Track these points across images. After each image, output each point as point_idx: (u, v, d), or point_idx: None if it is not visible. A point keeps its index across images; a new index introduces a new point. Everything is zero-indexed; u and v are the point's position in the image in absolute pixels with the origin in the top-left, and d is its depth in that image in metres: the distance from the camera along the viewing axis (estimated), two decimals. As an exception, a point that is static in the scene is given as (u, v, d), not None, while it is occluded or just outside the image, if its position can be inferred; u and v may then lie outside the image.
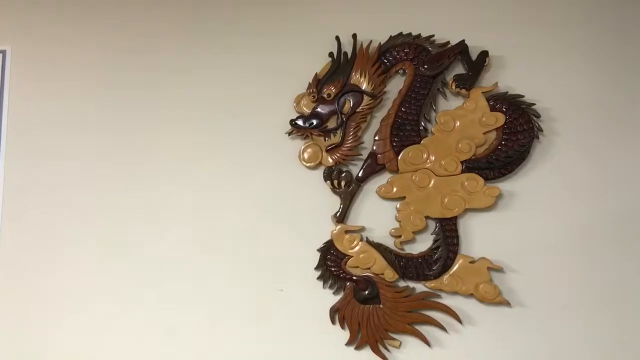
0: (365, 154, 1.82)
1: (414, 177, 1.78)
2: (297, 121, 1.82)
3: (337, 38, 1.84)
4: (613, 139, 1.77)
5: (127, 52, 1.96)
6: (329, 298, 1.79)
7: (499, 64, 1.81)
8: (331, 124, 1.82)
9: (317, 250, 1.81)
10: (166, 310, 1.85)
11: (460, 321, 1.75)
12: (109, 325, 1.87)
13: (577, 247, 1.76)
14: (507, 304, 1.74)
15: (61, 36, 1.99)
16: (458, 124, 1.78)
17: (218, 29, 1.93)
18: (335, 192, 1.81)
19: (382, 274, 1.77)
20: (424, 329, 1.76)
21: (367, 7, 1.88)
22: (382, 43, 1.83)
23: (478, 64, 1.79)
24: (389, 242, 1.79)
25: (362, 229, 1.81)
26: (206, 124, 1.90)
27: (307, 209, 1.83)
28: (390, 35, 1.83)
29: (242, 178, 1.87)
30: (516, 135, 1.76)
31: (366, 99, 1.81)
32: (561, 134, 1.78)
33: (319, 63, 1.84)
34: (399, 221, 1.78)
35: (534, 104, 1.77)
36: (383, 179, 1.81)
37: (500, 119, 1.76)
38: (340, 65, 1.83)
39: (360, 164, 1.82)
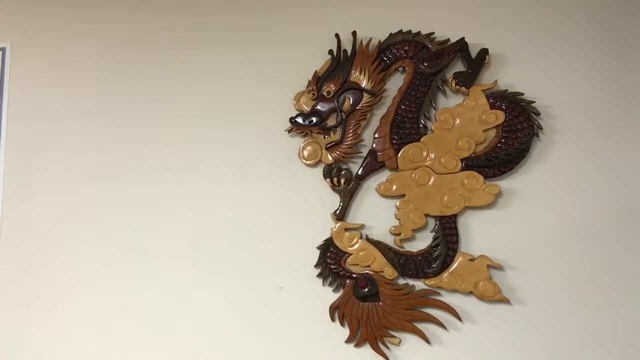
0: (365, 151, 1.82)
1: (413, 175, 1.78)
2: (296, 119, 1.82)
3: (337, 35, 1.83)
4: (613, 137, 1.77)
5: (127, 48, 1.96)
6: (329, 296, 1.80)
7: (498, 62, 1.80)
8: (331, 121, 1.82)
9: (317, 247, 1.81)
10: (165, 307, 1.86)
11: (459, 319, 1.75)
12: (107, 321, 1.87)
13: (576, 245, 1.76)
14: (506, 301, 1.74)
15: (61, 33, 1.99)
16: (458, 121, 1.78)
17: (218, 26, 1.93)
18: (334, 190, 1.82)
19: (382, 271, 1.78)
20: (424, 327, 1.76)
21: (366, 5, 1.87)
22: (381, 40, 1.82)
23: (478, 62, 1.79)
24: (389, 240, 1.80)
25: (362, 226, 1.81)
26: (206, 121, 1.90)
27: (307, 206, 1.83)
28: (390, 33, 1.82)
29: (241, 175, 1.87)
30: (516, 133, 1.76)
31: (366, 96, 1.81)
32: (561, 131, 1.78)
33: (319, 60, 1.84)
34: (399, 219, 1.78)
35: (534, 102, 1.76)
36: (383, 176, 1.81)
37: (500, 116, 1.76)
38: (340, 63, 1.83)
39: (359, 161, 1.82)
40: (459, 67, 1.81)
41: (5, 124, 1.97)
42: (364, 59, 1.82)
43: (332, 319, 1.79)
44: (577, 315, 1.74)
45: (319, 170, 1.83)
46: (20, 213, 1.94)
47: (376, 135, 1.81)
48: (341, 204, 1.81)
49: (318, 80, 1.82)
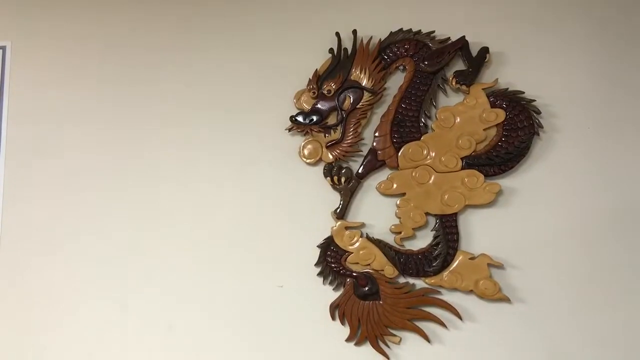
0: (365, 150, 1.82)
1: (414, 174, 1.78)
2: (297, 117, 1.82)
3: (337, 34, 1.84)
4: (613, 136, 1.77)
5: (127, 48, 1.96)
6: (329, 294, 1.79)
7: (499, 60, 1.80)
8: (331, 120, 1.82)
9: (317, 246, 1.81)
10: (166, 306, 1.85)
11: (460, 317, 1.75)
12: (108, 321, 1.87)
13: (577, 244, 1.75)
14: (507, 300, 1.74)
15: (61, 32, 1.99)
16: (458, 120, 1.78)
17: (218, 25, 1.93)
18: (335, 189, 1.81)
19: (382, 270, 1.77)
20: (424, 325, 1.76)
21: (367, 3, 1.87)
22: (382, 39, 1.82)
23: (478, 60, 1.79)
24: (389, 239, 1.79)
25: (362, 225, 1.81)
26: (206, 120, 1.90)
27: (307, 205, 1.83)
28: (391, 31, 1.82)
29: (242, 174, 1.87)
30: (516, 131, 1.76)
31: (366, 95, 1.81)
32: (561, 130, 1.78)
33: (319, 59, 1.84)
34: (399, 217, 1.78)
35: (535, 101, 1.76)
36: (383, 175, 1.81)
37: (500, 115, 1.76)
38: (341, 62, 1.83)
39: (360, 160, 1.82)
40: (459, 65, 1.81)
41: (5, 123, 1.97)
42: (365, 58, 1.82)
43: (333, 318, 1.79)
44: (578, 314, 1.74)
45: (319, 169, 1.83)
46: (21, 213, 1.94)
47: (377, 134, 1.81)
48: (341, 202, 1.81)
49: (318, 79, 1.82)
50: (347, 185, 1.81)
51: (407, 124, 1.80)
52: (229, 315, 1.84)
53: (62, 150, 1.95)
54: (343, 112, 1.81)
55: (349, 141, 1.82)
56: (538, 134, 1.77)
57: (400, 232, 1.78)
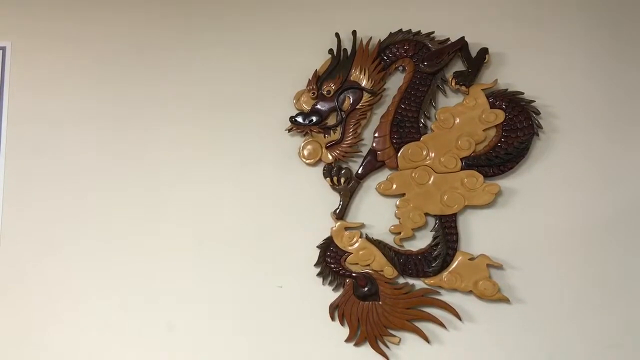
0: (364, 150, 1.82)
1: (413, 174, 1.78)
2: (296, 118, 1.82)
3: (337, 35, 1.84)
4: (612, 136, 1.77)
5: (127, 48, 1.96)
6: (329, 295, 1.80)
7: (498, 61, 1.81)
8: (331, 120, 1.82)
9: (317, 246, 1.81)
10: (165, 306, 1.85)
11: (459, 318, 1.76)
12: (108, 320, 1.87)
13: (576, 244, 1.76)
14: (506, 300, 1.74)
15: (61, 32, 1.98)
16: (458, 120, 1.78)
17: (218, 25, 1.93)
18: (334, 189, 1.82)
19: (382, 270, 1.78)
20: (423, 326, 1.76)
21: (366, 4, 1.87)
22: (381, 40, 1.82)
23: (478, 61, 1.79)
24: (389, 239, 1.80)
25: (362, 225, 1.81)
26: (206, 121, 1.90)
27: (307, 205, 1.83)
28: (390, 32, 1.82)
29: (241, 175, 1.87)
30: (516, 132, 1.76)
31: (366, 95, 1.81)
32: (561, 131, 1.78)
33: (319, 60, 1.84)
34: (399, 218, 1.78)
35: (534, 101, 1.77)
36: (383, 175, 1.81)
37: (499, 116, 1.76)
38: (340, 62, 1.83)
39: (359, 160, 1.82)
40: (459, 66, 1.81)
41: (5, 123, 1.96)
42: (364, 58, 1.82)
43: (332, 318, 1.79)
44: (577, 314, 1.74)
45: (319, 170, 1.83)
46: (21, 213, 1.93)
47: (376, 135, 1.81)
48: (341, 203, 1.81)
49: (318, 80, 1.82)
50: (346, 186, 1.81)
51: (407, 125, 1.80)
52: (229, 315, 1.84)
53: (62, 150, 1.94)
54: (343, 112, 1.81)
55: (348, 142, 1.82)
56: (537, 135, 1.77)
57: (399, 233, 1.78)
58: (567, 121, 1.78)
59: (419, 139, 1.79)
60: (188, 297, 1.85)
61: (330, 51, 1.83)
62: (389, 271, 1.77)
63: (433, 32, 1.81)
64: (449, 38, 1.81)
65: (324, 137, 1.83)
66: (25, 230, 1.92)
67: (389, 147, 1.80)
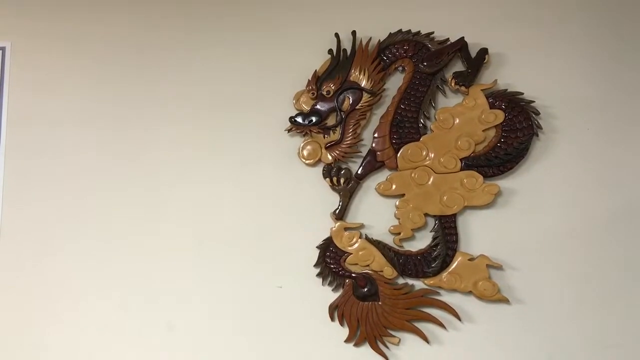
0: (364, 151, 1.82)
1: (413, 175, 1.78)
2: (296, 118, 1.82)
3: (337, 35, 1.84)
4: (612, 137, 1.77)
5: (127, 47, 1.96)
6: (328, 295, 1.80)
7: (498, 61, 1.81)
8: (330, 121, 1.82)
9: (317, 247, 1.81)
10: (165, 306, 1.86)
11: (459, 318, 1.76)
12: (108, 320, 1.87)
13: (576, 244, 1.76)
14: (505, 301, 1.74)
15: (61, 32, 1.98)
16: (457, 121, 1.78)
17: (218, 26, 1.93)
18: (334, 190, 1.82)
19: (381, 271, 1.78)
20: (423, 326, 1.76)
21: (366, 4, 1.87)
22: (381, 40, 1.82)
23: (477, 61, 1.79)
24: (388, 240, 1.80)
25: (361, 226, 1.81)
26: (205, 121, 1.90)
27: (307, 206, 1.83)
28: (390, 32, 1.82)
29: (241, 175, 1.87)
30: (515, 132, 1.76)
31: (365, 96, 1.81)
32: (560, 131, 1.78)
33: (318, 60, 1.84)
34: (398, 218, 1.78)
35: (533, 102, 1.77)
36: (382, 176, 1.81)
37: (499, 116, 1.76)
38: (340, 62, 1.83)
39: (359, 161, 1.82)
40: (458, 66, 1.81)
41: (5, 123, 1.97)
42: (364, 59, 1.82)
43: (332, 319, 1.79)
44: (576, 314, 1.74)
45: (318, 170, 1.83)
46: (21, 213, 1.93)
47: (376, 135, 1.81)
48: (341, 203, 1.81)
49: (318, 80, 1.82)
50: (346, 186, 1.81)
51: (406, 125, 1.80)
52: (229, 316, 1.84)
53: (61, 150, 1.94)
54: (342, 113, 1.81)
55: (348, 142, 1.82)
56: (537, 135, 1.77)
57: (399, 233, 1.78)
58: (567, 122, 1.78)
59: (418, 140, 1.79)
60: (188, 297, 1.85)
61: (330, 51, 1.83)
62: (389, 271, 1.77)
63: (433, 33, 1.81)
64: (448, 38, 1.81)
65: (324, 137, 1.83)
66: (25, 230, 1.92)
67: (388, 148, 1.80)
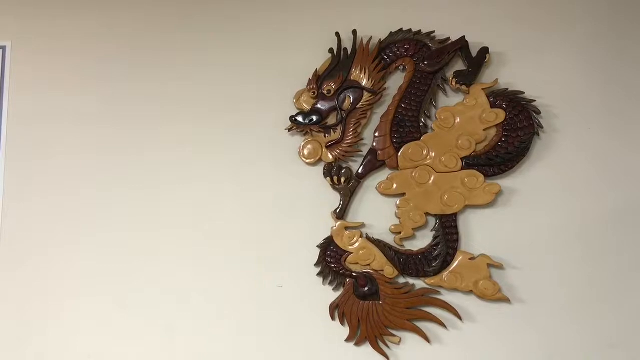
0: (365, 150, 1.82)
1: (414, 174, 1.78)
2: (297, 117, 1.82)
3: (337, 34, 1.84)
4: (613, 136, 1.77)
5: (127, 47, 1.96)
6: (329, 294, 1.79)
7: (499, 61, 1.81)
8: (331, 120, 1.82)
9: (317, 246, 1.81)
10: (165, 306, 1.85)
11: (459, 318, 1.75)
12: (108, 321, 1.87)
13: (577, 244, 1.76)
14: (506, 300, 1.74)
15: (61, 31, 1.99)
16: (458, 120, 1.78)
17: (218, 25, 1.93)
18: (335, 189, 1.81)
19: (382, 270, 1.77)
20: (424, 326, 1.76)
21: (367, 3, 1.87)
22: (382, 39, 1.82)
23: (478, 61, 1.79)
24: (389, 239, 1.79)
25: (362, 225, 1.81)
26: (206, 120, 1.90)
27: (307, 205, 1.83)
28: (391, 32, 1.82)
29: (241, 174, 1.87)
30: (516, 131, 1.76)
31: (366, 95, 1.81)
32: (561, 130, 1.78)
33: (319, 59, 1.84)
34: (399, 218, 1.78)
35: (534, 101, 1.77)
36: (383, 175, 1.81)
37: (500, 115, 1.76)
38: (341, 62, 1.83)
39: (360, 160, 1.82)
40: (459, 65, 1.81)
41: (5, 122, 1.96)
42: (365, 58, 1.82)
43: (332, 318, 1.79)
44: (577, 314, 1.74)
45: (319, 169, 1.83)
46: (21, 213, 1.93)
47: (376, 134, 1.81)
48: (341, 202, 1.81)
49: (318, 79, 1.82)
50: (347, 186, 1.81)
51: (407, 124, 1.80)
52: (229, 315, 1.83)
53: (62, 149, 1.94)
54: (343, 112, 1.81)
55: (348, 141, 1.81)
56: (538, 134, 1.77)
57: (400, 233, 1.78)
58: (568, 121, 1.78)
59: (419, 139, 1.79)
60: (188, 297, 1.85)
61: (331, 50, 1.83)
62: (389, 271, 1.77)
63: (434, 32, 1.81)
64: (449, 37, 1.81)
65: (324, 136, 1.83)
66: (25, 230, 1.92)
67: (389, 147, 1.80)
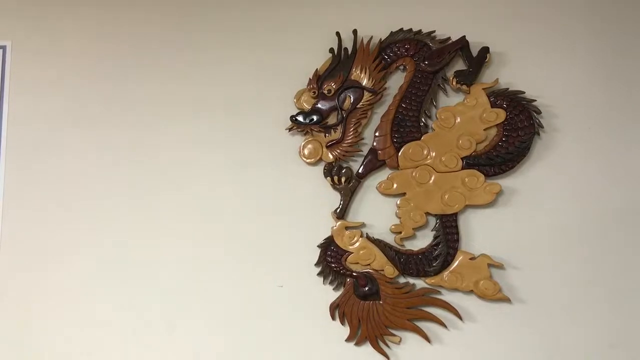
0: (365, 150, 1.82)
1: (414, 173, 1.78)
2: (297, 117, 1.82)
3: (338, 34, 1.84)
4: (614, 135, 1.77)
5: (128, 48, 1.96)
6: (329, 294, 1.79)
7: (499, 60, 1.81)
8: (331, 120, 1.82)
9: (317, 246, 1.81)
10: (165, 306, 1.85)
11: (460, 317, 1.75)
12: (108, 321, 1.86)
13: (577, 244, 1.76)
14: (507, 300, 1.74)
15: (62, 31, 1.99)
16: (458, 120, 1.78)
17: (219, 25, 1.93)
18: (335, 188, 1.81)
19: (382, 270, 1.77)
20: (424, 325, 1.76)
21: (367, 3, 1.87)
22: (382, 39, 1.83)
23: (479, 60, 1.79)
24: (389, 239, 1.79)
25: (362, 225, 1.81)
26: (207, 120, 1.90)
27: (307, 205, 1.83)
28: (391, 31, 1.83)
29: (242, 174, 1.87)
30: (517, 131, 1.76)
31: (367, 95, 1.81)
32: (562, 130, 1.78)
33: (320, 59, 1.84)
34: (399, 217, 1.78)
35: (535, 100, 1.77)
36: (383, 175, 1.81)
37: (500, 115, 1.76)
38: (341, 61, 1.83)
39: (360, 160, 1.82)
40: (459, 65, 1.81)
41: (5, 123, 1.96)
42: (365, 57, 1.82)
43: (333, 318, 1.79)
44: (577, 314, 1.74)
45: (319, 169, 1.83)
46: (21, 214, 1.93)
47: (377, 134, 1.81)
48: (342, 202, 1.81)
49: (319, 79, 1.83)
50: (347, 185, 1.81)
51: (408, 124, 1.80)
52: (230, 315, 1.83)
53: (62, 150, 1.94)
54: (343, 111, 1.81)
55: (349, 141, 1.81)
56: (538, 134, 1.77)
57: (400, 232, 1.78)
58: (568, 120, 1.78)
59: (419, 138, 1.79)
60: (188, 297, 1.85)
61: (331, 50, 1.83)
62: (390, 270, 1.77)
63: (434, 31, 1.81)
64: (450, 37, 1.81)
65: (325, 136, 1.83)
66: (25, 230, 1.92)
67: (389, 146, 1.80)
